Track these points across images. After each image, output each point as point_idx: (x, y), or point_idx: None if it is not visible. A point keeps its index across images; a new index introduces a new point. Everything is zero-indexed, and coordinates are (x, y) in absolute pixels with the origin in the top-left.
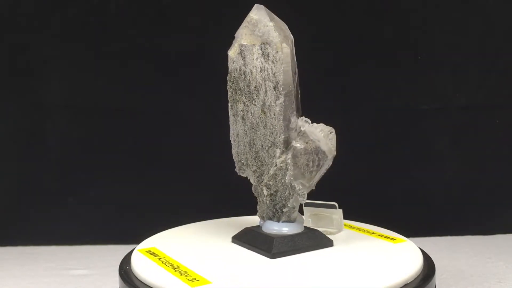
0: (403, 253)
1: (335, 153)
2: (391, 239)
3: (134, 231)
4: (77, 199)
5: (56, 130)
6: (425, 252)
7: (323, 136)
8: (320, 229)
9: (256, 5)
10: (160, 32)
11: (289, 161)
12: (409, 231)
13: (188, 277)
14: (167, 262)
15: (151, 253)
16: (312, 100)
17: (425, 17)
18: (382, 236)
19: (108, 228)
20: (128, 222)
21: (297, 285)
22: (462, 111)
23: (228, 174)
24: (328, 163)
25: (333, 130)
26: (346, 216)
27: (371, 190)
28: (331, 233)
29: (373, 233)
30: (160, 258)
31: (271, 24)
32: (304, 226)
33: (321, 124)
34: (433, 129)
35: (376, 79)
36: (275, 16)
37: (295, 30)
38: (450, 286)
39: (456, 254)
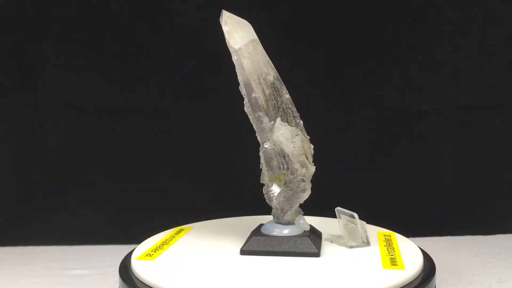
0: (403, 253)
1: (303, 157)
2: (393, 263)
3: (134, 231)
4: (77, 199)
5: (56, 130)
6: (425, 252)
7: (284, 138)
8: (340, 241)
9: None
10: (160, 32)
11: (262, 161)
12: (409, 231)
13: (149, 252)
14: (160, 245)
15: (178, 232)
16: (312, 101)
17: (425, 17)
18: (392, 261)
19: (108, 228)
20: (128, 222)
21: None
22: (462, 111)
23: (228, 174)
24: (305, 169)
25: (299, 132)
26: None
27: (371, 190)
28: (351, 246)
29: (391, 256)
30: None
31: (225, 28)
32: (305, 232)
33: (284, 126)
34: (433, 129)
35: (376, 79)
36: (234, 19)
37: (295, 30)
38: (450, 286)
39: (456, 254)
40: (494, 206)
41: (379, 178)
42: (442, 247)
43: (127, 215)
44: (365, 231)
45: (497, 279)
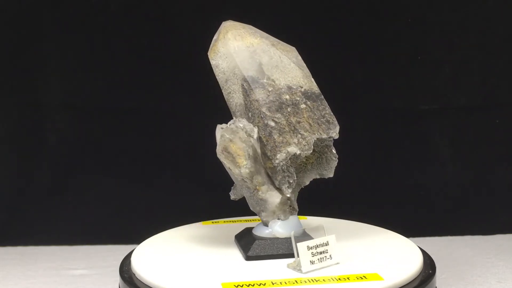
0: (403, 253)
1: (225, 155)
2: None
3: (134, 231)
4: (77, 199)
5: (56, 130)
6: (425, 252)
7: (217, 135)
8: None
9: None
10: (160, 32)
11: None
12: (409, 231)
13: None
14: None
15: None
16: None
17: (425, 16)
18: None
19: (108, 228)
20: (128, 222)
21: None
22: (462, 111)
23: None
24: (237, 169)
25: (221, 133)
26: (345, 216)
27: (371, 190)
28: (287, 265)
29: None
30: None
31: (214, 38)
32: (274, 237)
33: (225, 124)
34: (433, 129)
35: (376, 79)
36: (230, 27)
37: (294, 30)
38: (450, 286)
39: (456, 254)
40: (494, 206)
41: (379, 178)
42: (442, 247)
43: (127, 215)
44: (298, 258)
45: (497, 279)
